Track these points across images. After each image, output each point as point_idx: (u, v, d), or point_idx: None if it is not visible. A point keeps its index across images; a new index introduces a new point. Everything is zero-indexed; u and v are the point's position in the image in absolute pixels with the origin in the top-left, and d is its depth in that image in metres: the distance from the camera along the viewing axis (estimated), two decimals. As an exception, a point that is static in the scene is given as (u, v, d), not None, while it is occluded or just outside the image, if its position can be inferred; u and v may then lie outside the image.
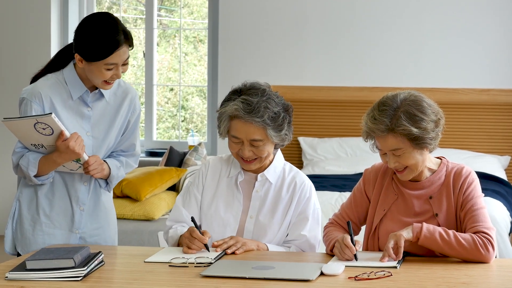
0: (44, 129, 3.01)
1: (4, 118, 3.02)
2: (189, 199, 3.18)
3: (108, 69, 3.09)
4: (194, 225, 2.97)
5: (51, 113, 2.99)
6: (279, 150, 3.18)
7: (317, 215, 3.16)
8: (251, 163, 3.06)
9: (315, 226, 3.14)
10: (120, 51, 3.07)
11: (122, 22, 3.13)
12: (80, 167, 3.15)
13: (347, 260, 2.79)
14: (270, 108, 2.98)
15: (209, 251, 2.95)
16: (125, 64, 3.12)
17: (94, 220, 3.32)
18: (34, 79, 3.24)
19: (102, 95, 3.23)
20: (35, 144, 3.09)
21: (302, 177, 3.17)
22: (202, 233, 2.95)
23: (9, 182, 6.59)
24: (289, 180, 3.15)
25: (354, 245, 2.80)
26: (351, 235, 2.83)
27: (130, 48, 3.12)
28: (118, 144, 3.32)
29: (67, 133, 3.05)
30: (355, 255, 2.79)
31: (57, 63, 3.23)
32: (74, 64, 3.19)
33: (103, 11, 3.18)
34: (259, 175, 3.13)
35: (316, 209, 3.16)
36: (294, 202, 3.12)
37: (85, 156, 3.11)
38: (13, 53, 7.07)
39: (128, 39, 3.10)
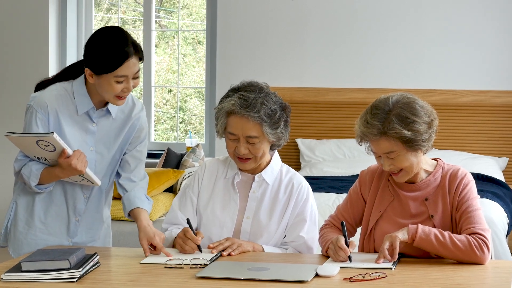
0: (46, 146, 3.00)
1: (7, 132, 3.02)
2: (185, 202, 3.19)
3: (118, 82, 3.04)
4: (189, 226, 2.98)
5: (52, 132, 2.96)
6: (276, 151, 3.19)
7: (314, 217, 3.16)
8: (246, 162, 3.06)
9: (312, 227, 3.14)
10: (129, 63, 3.03)
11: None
12: (83, 179, 3.14)
13: (341, 261, 2.80)
14: (267, 104, 2.99)
15: (201, 252, 2.95)
16: (135, 77, 3.07)
17: (89, 233, 3.31)
18: (40, 85, 3.21)
19: (109, 112, 3.20)
20: (38, 156, 3.09)
21: (299, 179, 3.17)
22: (196, 234, 2.96)
23: (8, 182, 6.59)
24: (286, 182, 3.15)
25: (348, 246, 2.80)
26: (345, 236, 2.83)
27: (141, 61, 3.08)
28: (125, 170, 3.30)
29: (69, 151, 3.02)
30: (349, 257, 2.79)
31: (67, 74, 3.20)
32: (85, 78, 3.16)
33: (112, 25, 3.13)
34: (256, 176, 3.13)
35: (313, 210, 3.16)
36: (291, 203, 3.12)
37: (88, 171, 3.09)
38: (10, 55, 7.06)
39: (138, 52, 3.06)
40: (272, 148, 3.12)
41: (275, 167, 3.16)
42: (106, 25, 3.16)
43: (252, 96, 2.99)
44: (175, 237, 3.05)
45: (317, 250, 3.15)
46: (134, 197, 3.22)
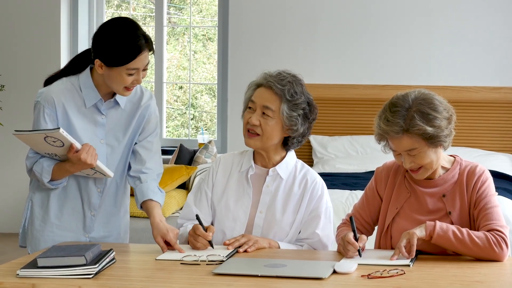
0: (54, 142, 2.99)
1: (15, 131, 3.01)
2: (199, 197, 3.18)
3: (130, 74, 3.04)
4: (198, 223, 2.97)
5: (59, 128, 2.95)
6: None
7: (329, 214, 3.15)
8: (252, 137, 3.06)
9: (327, 224, 3.12)
10: (142, 56, 3.03)
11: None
12: (95, 172, 3.13)
13: (351, 257, 2.78)
14: (294, 87, 3.04)
15: (213, 247, 2.95)
16: (145, 69, 3.08)
17: (106, 227, 3.30)
18: (48, 81, 3.20)
19: (117, 103, 3.19)
20: (48, 153, 3.08)
21: (313, 175, 3.16)
22: (206, 230, 2.95)
23: (25, 182, 6.61)
24: (300, 177, 3.14)
25: (357, 241, 2.79)
26: (354, 231, 2.81)
27: (151, 52, 3.09)
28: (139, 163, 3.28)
29: (77, 145, 3.01)
30: (358, 251, 2.78)
31: (73, 68, 3.19)
32: (91, 71, 3.15)
33: (121, 16, 3.14)
34: (270, 170, 3.12)
35: (328, 207, 3.15)
36: (305, 199, 3.11)
37: (99, 164, 3.08)
38: (22, 53, 7.07)
39: (149, 44, 3.06)
40: (286, 143, 3.11)
41: (290, 162, 3.15)
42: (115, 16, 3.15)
43: (285, 75, 3.07)
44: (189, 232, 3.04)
45: (332, 247, 3.13)
46: (147, 188, 3.21)
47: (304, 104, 3.05)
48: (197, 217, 2.98)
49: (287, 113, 3.02)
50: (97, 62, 3.06)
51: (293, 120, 3.03)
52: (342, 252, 2.85)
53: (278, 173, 3.12)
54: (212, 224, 3.15)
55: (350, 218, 2.86)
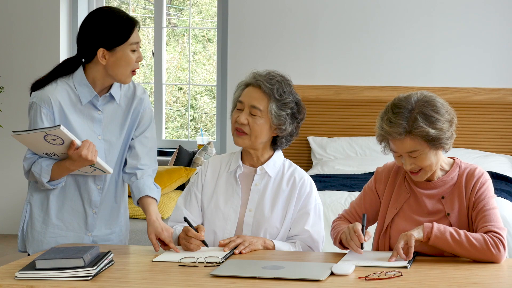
0: (54, 140, 3.00)
1: (13, 132, 3.01)
2: (189, 199, 3.21)
3: (133, 50, 3.11)
4: (188, 225, 2.98)
5: (59, 125, 2.96)
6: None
7: (319, 211, 3.17)
8: (240, 136, 3.09)
9: (317, 221, 3.15)
10: (136, 29, 3.13)
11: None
12: (94, 170, 3.14)
13: (352, 248, 2.79)
14: (283, 86, 3.09)
15: (207, 246, 2.96)
16: (140, 46, 3.18)
17: (108, 225, 3.31)
18: (36, 84, 3.20)
19: (112, 97, 3.22)
20: (47, 152, 3.09)
21: (301, 173, 3.20)
22: (197, 230, 2.96)
23: (24, 183, 6.61)
24: (288, 175, 3.18)
25: (364, 235, 2.79)
26: (363, 226, 2.83)
27: (138, 27, 3.19)
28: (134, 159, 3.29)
29: (78, 142, 3.02)
30: (361, 244, 2.78)
31: (64, 70, 3.20)
32: (84, 70, 3.17)
33: (100, 7, 3.23)
34: (258, 168, 3.15)
35: (317, 204, 3.17)
36: (294, 197, 3.14)
37: (99, 160, 3.09)
38: (20, 55, 7.07)
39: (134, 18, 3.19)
40: (274, 142, 3.14)
41: (278, 160, 3.18)
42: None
43: (274, 74, 3.11)
44: (178, 236, 3.06)
45: (324, 243, 3.15)
46: (144, 185, 3.23)
47: (292, 104, 3.09)
48: (186, 219, 3.01)
49: (275, 112, 3.06)
50: (100, 51, 3.10)
51: (282, 119, 3.07)
52: (343, 241, 2.85)
53: (266, 171, 3.15)
54: (202, 224, 3.16)
55: (363, 215, 2.90)
